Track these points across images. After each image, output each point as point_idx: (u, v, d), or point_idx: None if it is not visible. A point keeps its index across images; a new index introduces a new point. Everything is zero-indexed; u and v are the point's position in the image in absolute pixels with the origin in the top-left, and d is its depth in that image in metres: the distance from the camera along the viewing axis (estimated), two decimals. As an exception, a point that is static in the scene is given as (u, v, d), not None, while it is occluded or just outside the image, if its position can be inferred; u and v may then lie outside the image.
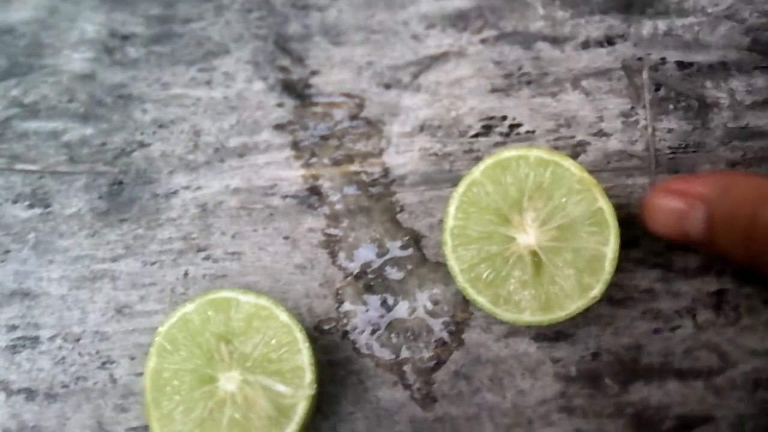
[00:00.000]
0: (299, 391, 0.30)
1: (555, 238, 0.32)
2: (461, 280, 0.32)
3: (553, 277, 0.32)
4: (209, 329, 0.31)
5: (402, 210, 0.37)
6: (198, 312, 0.31)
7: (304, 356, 0.30)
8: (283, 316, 0.31)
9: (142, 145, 0.38)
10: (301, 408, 0.29)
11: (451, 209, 0.33)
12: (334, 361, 0.34)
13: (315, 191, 0.37)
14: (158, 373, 0.31)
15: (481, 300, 0.32)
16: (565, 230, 0.32)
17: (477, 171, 0.33)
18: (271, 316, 0.31)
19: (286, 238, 0.37)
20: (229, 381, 0.30)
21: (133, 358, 0.35)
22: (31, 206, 0.37)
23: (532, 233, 0.32)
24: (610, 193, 0.35)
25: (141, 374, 0.34)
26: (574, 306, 0.32)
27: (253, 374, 0.30)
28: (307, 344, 0.30)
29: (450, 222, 0.33)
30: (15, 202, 0.37)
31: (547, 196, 0.32)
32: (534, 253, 0.32)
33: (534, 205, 0.32)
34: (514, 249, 0.32)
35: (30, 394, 0.34)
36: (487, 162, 0.33)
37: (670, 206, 0.33)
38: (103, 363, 0.35)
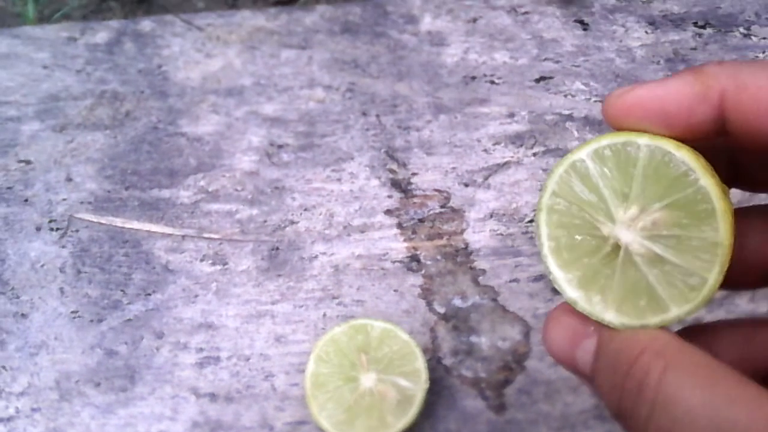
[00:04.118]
0: (417, 385, 0.43)
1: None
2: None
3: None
4: (352, 344, 0.44)
5: (479, 274, 0.51)
6: (344, 333, 0.45)
7: (419, 362, 0.43)
8: (404, 336, 0.44)
9: (292, 222, 0.53)
10: (420, 398, 0.42)
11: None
12: (431, 378, 0.47)
13: (415, 258, 0.52)
14: (316, 375, 0.44)
15: None
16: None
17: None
18: (396, 336, 0.44)
19: (396, 290, 0.51)
20: (367, 379, 0.43)
21: (288, 373, 0.48)
22: (213, 264, 0.52)
23: None
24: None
25: (294, 384, 0.48)
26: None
27: (385, 374, 0.43)
28: (421, 354, 0.44)
29: None
30: (202, 260, 0.52)
31: None
32: None
33: None
34: None
35: (213, 397, 0.48)
36: None
37: (566, 324, 0.27)
38: (266, 376, 0.48)
